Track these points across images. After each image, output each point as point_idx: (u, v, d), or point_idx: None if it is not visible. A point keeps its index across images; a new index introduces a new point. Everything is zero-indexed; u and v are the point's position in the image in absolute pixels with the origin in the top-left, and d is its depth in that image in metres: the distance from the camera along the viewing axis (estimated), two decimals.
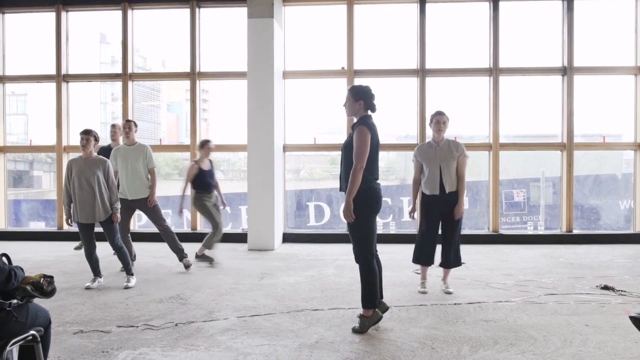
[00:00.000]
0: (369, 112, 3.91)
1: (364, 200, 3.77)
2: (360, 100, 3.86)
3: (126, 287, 5.28)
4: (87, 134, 5.25)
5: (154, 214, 6.23)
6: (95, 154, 5.36)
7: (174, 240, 6.24)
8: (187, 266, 6.20)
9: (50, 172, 11.00)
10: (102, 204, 5.23)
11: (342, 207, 3.85)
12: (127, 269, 5.46)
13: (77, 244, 7.47)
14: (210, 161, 6.80)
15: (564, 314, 4.27)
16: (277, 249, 7.93)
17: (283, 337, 3.74)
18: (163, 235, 6.25)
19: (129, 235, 6.30)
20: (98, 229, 5.36)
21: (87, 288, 5.23)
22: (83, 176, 5.18)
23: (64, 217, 5.36)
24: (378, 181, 3.90)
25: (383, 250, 7.68)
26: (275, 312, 4.40)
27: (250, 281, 5.62)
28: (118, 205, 5.33)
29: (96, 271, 5.38)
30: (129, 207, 6.23)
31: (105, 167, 5.27)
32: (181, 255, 6.25)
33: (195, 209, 6.75)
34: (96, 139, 5.32)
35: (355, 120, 3.92)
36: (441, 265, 5.13)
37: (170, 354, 3.40)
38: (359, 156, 3.68)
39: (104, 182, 5.25)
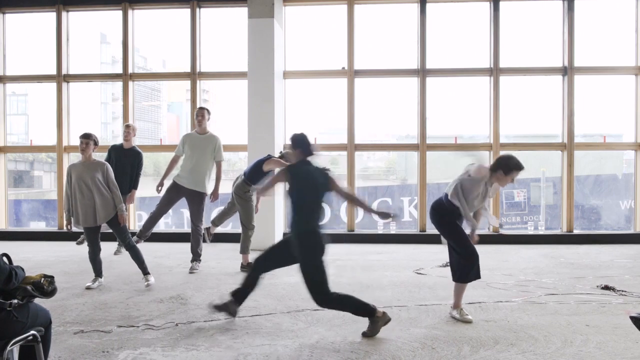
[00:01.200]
0: (308, 158, 3.97)
1: (315, 243, 3.79)
2: (297, 148, 3.97)
3: (147, 286, 5.25)
4: (86, 138, 5.21)
5: (196, 210, 6.15)
6: (94, 157, 5.33)
7: (198, 243, 6.19)
8: (192, 270, 6.13)
9: (50, 172, 11.01)
10: (103, 207, 5.19)
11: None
12: (143, 268, 5.37)
13: (79, 238, 7.44)
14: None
15: (565, 314, 4.27)
16: None
17: (284, 337, 3.74)
18: (192, 233, 6.21)
19: (154, 225, 6.26)
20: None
21: (88, 288, 5.22)
22: (82, 180, 5.15)
23: (65, 222, 5.35)
24: (320, 227, 3.86)
25: (383, 251, 7.70)
26: (276, 312, 4.40)
27: None
28: (123, 207, 5.28)
29: (98, 272, 5.37)
30: (178, 193, 6.10)
31: (104, 169, 5.24)
32: (196, 258, 6.20)
33: (236, 197, 6.09)
34: (96, 143, 5.28)
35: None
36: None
37: (171, 354, 3.40)
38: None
39: (104, 185, 5.21)
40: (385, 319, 3.78)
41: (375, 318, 3.76)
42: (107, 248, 7.49)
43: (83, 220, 5.20)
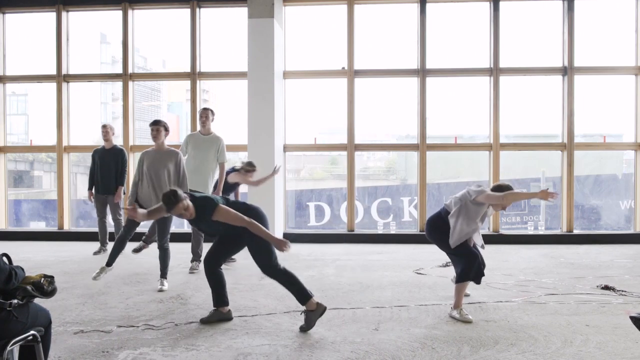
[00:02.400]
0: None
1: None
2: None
3: (160, 290, 5.15)
4: (156, 124, 5.16)
5: None
6: (167, 145, 5.26)
7: (199, 244, 6.21)
8: (192, 270, 6.13)
9: (50, 172, 11.00)
10: None
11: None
12: (164, 272, 5.32)
13: (95, 249, 7.45)
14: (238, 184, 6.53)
15: (565, 314, 4.27)
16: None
17: (283, 337, 3.74)
18: (193, 234, 6.23)
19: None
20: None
21: (95, 279, 5.16)
22: (154, 170, 5.08)
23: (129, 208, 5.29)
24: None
25: (383, 251, 7.70)
26: (276, 312, 4.40)
27: (251, 281, 5.62)
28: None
29: (112, 259, 5.24)
30: None
31: (178, 159, 5.19)
32: (196, 259, 6.21)
33: None
34: (166, 129, 5.23)
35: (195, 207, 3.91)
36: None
37: (171, 354, 3.40)
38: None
39: (174, 176, 5.14)
40: (320, 310, 3.89)
41: (309, 309, 3.87)
42: (108, 247, 7.51)
43: (143, 206, 5.09)
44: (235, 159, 11.39)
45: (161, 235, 5.29)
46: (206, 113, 6.25)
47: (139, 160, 5.24)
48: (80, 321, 4.13)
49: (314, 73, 9.07)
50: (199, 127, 6.40)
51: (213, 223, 3.92)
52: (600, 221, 9.44)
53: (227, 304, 4.19)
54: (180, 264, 6.53)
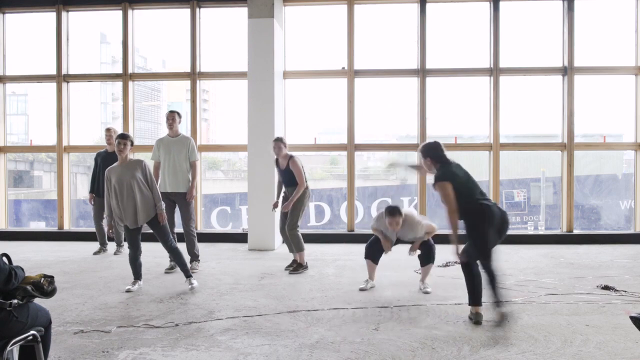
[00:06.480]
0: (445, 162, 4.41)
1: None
2: (428, 157, 4.47)
3: (191, 289, 5.15)
4: (124, 138, 5.12)
5: (186, 211, 6.16)
6: (131, 157, 5.22)
7: (193, 244, 6.20)
8: (192, 270, 6.09)
9: (50, 172, 11.01)
10: (144, 207, 5.09)
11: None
12: (185, 271, 5.28)
13: (95, 249, 7.45)
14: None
15: (565, 314, 4.27)
16: (277, 249, 7.93)
17: (283, 337, 3.74)
18: (185, 235, 6.20)
19: (175, 235, 6.27)
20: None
21: (128, 291, 5.11)
22: (123, 181, 5.05)
23: (106, 228, 5.24)
24: (484, 201, 4.22)
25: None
26: (276, 312, 4.40)
27: (251, 281, 5.62)
28: (162, 205, 5.21)
29: (137, 275, 5.25)
30: (170, 200, 6.11)
31: (143, 167, 5.16)
32: (194, 259, 6.21)
33: (302, 206, 6.54)
34: (132, 143, 5.22)
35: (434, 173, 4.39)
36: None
37: (171, 354, 3.40)
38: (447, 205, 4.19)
39: (144, 184, 5.12)
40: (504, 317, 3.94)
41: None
42: (108, 248, 7.51)
43: (126, 221, 5.11)
44: (235, 159, 11.42)
45: (163, 238, 5.24)
46: (172, 116, 6.26)
47: (105, 178, 5.15)
48: (80, 321, 4.13)
49: (313, 73, 9.06)
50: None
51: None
52: (600, 221, 9.44)
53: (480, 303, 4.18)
54: None
